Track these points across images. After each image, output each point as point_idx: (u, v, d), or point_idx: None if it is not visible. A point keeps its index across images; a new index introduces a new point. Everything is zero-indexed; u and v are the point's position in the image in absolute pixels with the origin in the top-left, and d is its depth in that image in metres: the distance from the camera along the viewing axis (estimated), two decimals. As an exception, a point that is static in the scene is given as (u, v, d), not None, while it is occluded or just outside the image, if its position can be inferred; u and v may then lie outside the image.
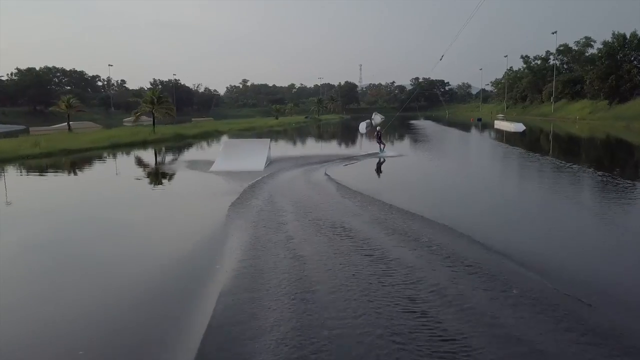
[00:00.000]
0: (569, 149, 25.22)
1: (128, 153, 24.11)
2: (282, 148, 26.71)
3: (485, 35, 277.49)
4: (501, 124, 44.12)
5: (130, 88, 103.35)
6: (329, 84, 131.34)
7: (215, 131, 39.29)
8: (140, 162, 21.20)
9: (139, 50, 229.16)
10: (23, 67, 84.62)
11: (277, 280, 5.15)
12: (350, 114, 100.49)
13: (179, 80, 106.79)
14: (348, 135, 40.59)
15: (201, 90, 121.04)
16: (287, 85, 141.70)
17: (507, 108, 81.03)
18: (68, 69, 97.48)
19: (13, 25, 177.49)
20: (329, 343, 3.78)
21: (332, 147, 28.28)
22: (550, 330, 3.96)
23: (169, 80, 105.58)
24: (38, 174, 17.32)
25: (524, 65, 77.17)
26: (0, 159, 19.11)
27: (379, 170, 16.59)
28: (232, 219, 8.29)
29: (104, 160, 21.19)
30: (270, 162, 16.70)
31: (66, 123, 41.26)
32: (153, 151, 25.14)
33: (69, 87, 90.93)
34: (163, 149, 26.45)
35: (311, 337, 3.87)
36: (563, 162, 16.75)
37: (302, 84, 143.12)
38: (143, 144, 27.56)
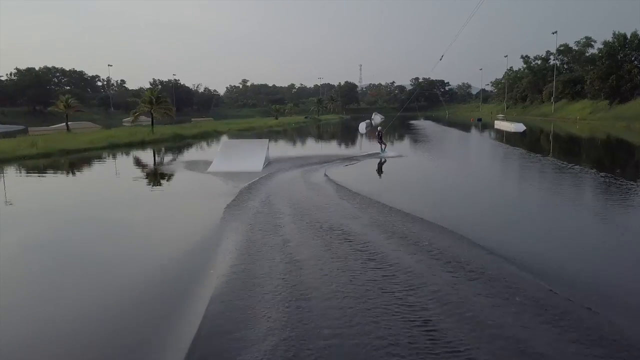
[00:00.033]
0: (570, 149, 25.06)
1: (126, 153, 23.94)
2: (281, 148, 26.54)
3: (485, 35, 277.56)
4: (501, 124, 43.98)
5: (130, 88, 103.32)
6: (329, 84, 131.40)
7: (214, 131, 39.12)
8: (137, 163, 21.02)
9: (138, 50, 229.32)
10: (23, 67, 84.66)
11: (271, 286, 4.96)
12: (350, 114, 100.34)
13: (178, 80, 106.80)
14: (348, 135, 40.43)
15: (201, 90, 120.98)
16: (287, 86, 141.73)
17: (507, 108, 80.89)
18: (68, 69, 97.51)
19: (13, 26, 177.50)
20: (323, 354, 3.61)
21: (331, 148, 28.12)
22: (556, 340, 3.79)
23: (168, 80, 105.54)
24: (34, 174, 17.15)
25: (524, 65, 77.05)
26: (-3, 159, 18.97)
27: (378, 171, 16.42)
28: (227, 221, 8.12)
29: (101, 160, 21.01)
30: (268, 162, 16.54)
31: (65, 123, 41.14)
32: (151, 151, 24.97)
33: (68, 87, 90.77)
34: (161, 149, 26.28)
35: (305, 348, 3.69)
36: (565, 162, 16.58)
37: (302, 84, 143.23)
38: (141, 145, 27.38)
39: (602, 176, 13.22)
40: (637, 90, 47.62)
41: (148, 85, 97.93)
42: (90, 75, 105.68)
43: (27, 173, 17.41)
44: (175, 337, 4.15)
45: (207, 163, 16.13)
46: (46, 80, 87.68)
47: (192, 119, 68.96)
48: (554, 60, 70.59)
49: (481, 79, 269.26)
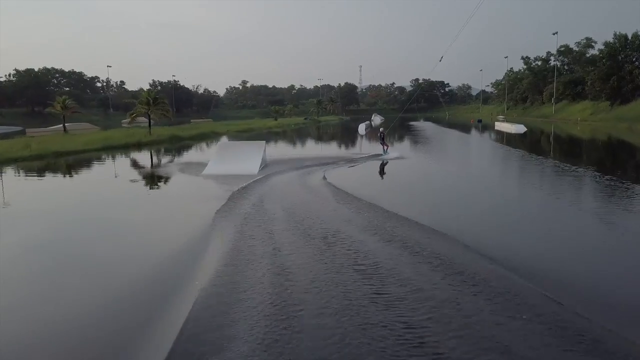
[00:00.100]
0: (572, 151, 24.72)
1: (121, 155, 23.63)
2: (279, 150, 26.22)
3: (486, 36, 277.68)
4: (502, 126, 43.69)
5: (130, 89, 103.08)
6: (328, 85, 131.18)
7: (212, 132, 38.80)
8: (130, 165, 20.69)
9: (138, 51, 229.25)
10: (22, 68, 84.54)
11: (256, 302, 4.60)
12: (349, 115, 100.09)
13: (178, 81, 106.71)
14: (347, 136, 40.11)
15: (200, 91, 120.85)
16: (286, 87, 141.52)
17: (507, 109, 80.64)
18: (67, 70, 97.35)
19: (12, 26, 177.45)
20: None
21: (331, 149, 27.77)
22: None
23: (168, 81, 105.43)
24: (24, 176, 16.85)
25: (525, 66, 76.83)
26: (-11, 161, 18.68)
27: (378, 173, 16.08)
28: (216, 227, 7.77)
29: (94, 163, 20.65)
30: (265, 164, 16.23)
31: (66, 124, 40.94)
32: (147, 153, 24.64)
33: (67, 88, 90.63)
34: (157, 151, 25.96)
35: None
36: (567, 165, 16.24)
37: (301, 85, 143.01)
38: (138, 146, 27.07)
39: (607, 179, 12.87)
40: (638, 91, 47.32)
41: (148, 87, 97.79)
42: (90, 76, 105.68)
43: (18, 175, 17.09)
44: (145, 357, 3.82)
45: (203, 165, 15.81)
46: (45, 82, 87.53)
47: (192, 120, 68.79)
48: (554, 61, 70.38)
49: (481, 80, 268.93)
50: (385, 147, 19.85)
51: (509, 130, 38.69)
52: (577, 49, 66.13)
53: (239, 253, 6.27)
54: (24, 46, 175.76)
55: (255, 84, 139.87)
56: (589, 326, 4.10)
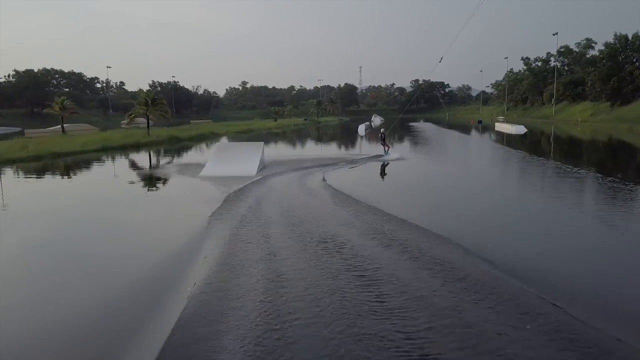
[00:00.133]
0: (573, 152, 24.54)
1: (119, 156, 23.45)
2: (278, 151, 26.05)
3: (485, 36, 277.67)
4: (502, 127, 43.54)
5: (130, 90, 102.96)
6: (328, 85, 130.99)
7: (211, 133, 38.63)
8: (127, 167, 20.50)
9: (138, 52, 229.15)
10: (22, 68, 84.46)
11: (248, 310, 4.40)
12: (349, 116, 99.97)
13: (177, 82, 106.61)
14: (347, 137, 39.93)
15: (200, 92, 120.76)
16: (286, 87, 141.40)
17: (507, 110, 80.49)
18: (66, 71, 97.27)
19: (12, 27, 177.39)
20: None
21: (330, 150, 27.59)
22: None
23: (168, 82, 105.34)
24: (20, 178, 16.66)
25: (525, 67, 76.66)
26: (-15, 162, 18.51)
27: (378, 175, 15.89)
28: (210, 230, 7.58)
29: (90, 164, 20.46)
30: (264, 166, 16.06)
31: (65, 125, 40.84)
32: (144, 154, 24.47)
33: (67, 89, 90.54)
34: (155, 152, 25.79)
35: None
36: (569, 166, 16.05)
37: (301, 86, 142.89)
38: (136, 147, 26.91)
39: (609, 181, 12.69)
40: (638, 92, 47.14)
41: (147, 87, 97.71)
42: (90, 77, 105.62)
43: (14, 176, 16.90)
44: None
45: (201, 166, 15.63)
46: (45, 82, 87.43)
47: (191, 121, 68.68)
48: (554, 61, 70.20)
49: (481, 81, 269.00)
50: (387, 148, 19.70)
51: (509, 131, 38.54)
52: (577, 50, 65.99)
53: (232, 258, 6.08)
54: (24, 47, 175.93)
55: (255, 85, 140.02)
56: (598, 337, 3.92)
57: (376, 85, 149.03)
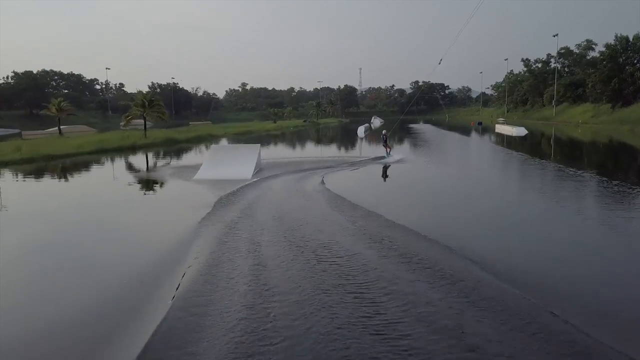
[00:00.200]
0: (575, 154, 24.21)
1: (114, 159, 23.12)
2: (277, 152, 25.73)
3: (486, 38, 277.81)
4: (502, 128, 43.24)
5: (129, 91, 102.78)
6: (328, 87, 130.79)
7: (209, 135, 38.30)
8: (121, 169, 20.12)
9: (138, 53, 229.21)
10: (22, 70, 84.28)
11: (230, 327, 4.04)
12: (349, 117, 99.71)
13: (177, 83, 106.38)
14: (347, 139, 39.61)
15: (200, 93, 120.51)
16: (286, 89, 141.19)
17: (507, 112, 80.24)
18: (66, 72, 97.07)
19: (12, 28, 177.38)
20: None
21: (330, 152, 27.26)
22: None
23: (167, 83, 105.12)
24: (10, 180, 16.34)
25: (525, 69, 76.41)
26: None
27: (378, 178, 15.54)
28: (198, 237, 7.23)
29: (84, 166, 20.12)
30: (260, 168, 15.74)
31: (62, 126, 40.64)
32: (140, 157, 24.12)
33: (66, 91, 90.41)
34: (151, 154, 25.46)
35: None
36: (573, 169, 15.71)
37: (301, 88, 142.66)
38: (132, 149, 26.59)
39: (615, 184, 12.35)
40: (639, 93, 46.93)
41: (147, 89, 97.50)
42: (89, 78, 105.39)
43: (1, 179, 16.57)
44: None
45: (196, 169, 15.30)
46: (43, 84, 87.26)
47: (190, 123, 68.40)
48: (554, 63, 69.95)
49: (481, 82, 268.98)
50: (388, 150, 19.46)
51: (509, 133, 38.23)
52: (577, 51, 65.79)
53: (218, 268, 5.72)
54: (24, 48, 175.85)
55: (254, 87, 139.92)
56: (612, 355, 3.58)
57: (376, 87, 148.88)
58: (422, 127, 55.65)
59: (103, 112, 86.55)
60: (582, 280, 5.58)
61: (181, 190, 13.16)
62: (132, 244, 7.63)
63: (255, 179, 13.56)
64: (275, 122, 66.22)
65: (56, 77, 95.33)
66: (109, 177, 17.29)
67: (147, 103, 30.94)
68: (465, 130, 49.43)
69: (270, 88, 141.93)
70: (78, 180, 16.74)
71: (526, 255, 6.43)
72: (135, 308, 4.81)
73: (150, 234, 8.26)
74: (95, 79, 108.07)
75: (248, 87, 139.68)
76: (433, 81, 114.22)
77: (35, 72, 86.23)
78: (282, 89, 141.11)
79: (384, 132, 20.47)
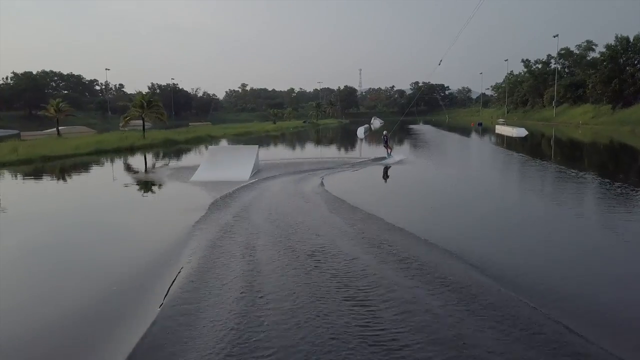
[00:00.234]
0: (577, 155, 24.04)
1: (111, 160, 22.94)
2: (275, 153, 25.56)
3: (486, 39, 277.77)
4: (502, 129, 43.08)
5: (129, 92, 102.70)
6: (328, 88, 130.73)
7: (208, 136, 38.13)
8: (117, 170, 19.94)
9: (138, 54, 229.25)
10: (22, 70, 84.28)
11: (219, 338, 3.84)
12: (349, 118, 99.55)
13: (177, 84, 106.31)
14: (347, 140, 39.45)
15: (200, 94, 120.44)
16: (286, 90, 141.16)
17: (507, 112, 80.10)
18: (65, 73, 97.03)
19: (12, 29, 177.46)
20: None
21: (329, 152, 27.10)
22: None
23: (167, 84, 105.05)
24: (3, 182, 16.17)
25: (525, 69, 76.31)
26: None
27: (378, 179, 15.34)
28: (192, 241, 7.04)
29: (80, 168, 19.93)
30: (258, 170, 15.58)
31: (61, 127, 40.53)
32: (138, 158, 23.94)
33: (66, 92, 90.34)
34: (150, 155, 25.29)
35: None
36: (574, 171, 15.53)
37: (301, 89, 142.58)
38: (130, 150, 26.42)
39: (617, 186, 12.17)
40: (640, 94, 46.75)
41: (147, 90, 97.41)
42: (89, 79, 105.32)
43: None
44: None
45: (194, 170, 15.13)
46: (43, 84, 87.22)
47: (190, 124, 68.28)
48: (555, 64, 69.84)
49: (481, 83, 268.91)
50: (389, 150, 19.30)
51: (509, 134, 38.06)
52: (577, 52, 65.70)
53: (210, 273, 5.55)
54: (24, 49, 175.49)
55: (254, 87, 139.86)
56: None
57: (376, 88, 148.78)
58: (421, 128, 55.50)
59: (103, 113, 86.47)
60: (588, 284, 5.40)
61: (177, 192, 12.98)
62: (123, 246, 7.45)
63: (252, 180, 13.40)
64: (275, 123, 66.08)
65: (56, 78, 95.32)
66: (104, 179, 17.09)
67: (145, 104, 30.77)
68: (465, 131, 49.27)
69: (270, 89, 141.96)
70: (73, 181, 16.56)
71: (529, 259, 6.25)
72: (121, 315, 4.64)
73: (142, 236, 8.09)
74: (95, 80, 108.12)
75: (248, 88, 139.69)
76: (433, 82, 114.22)
77: (34, 72, 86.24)
78: (282, 90, 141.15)
79: (385, 132, 20.29)
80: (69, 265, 6.47)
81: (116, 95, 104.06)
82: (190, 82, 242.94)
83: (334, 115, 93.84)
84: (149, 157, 24.45)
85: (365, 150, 26.77)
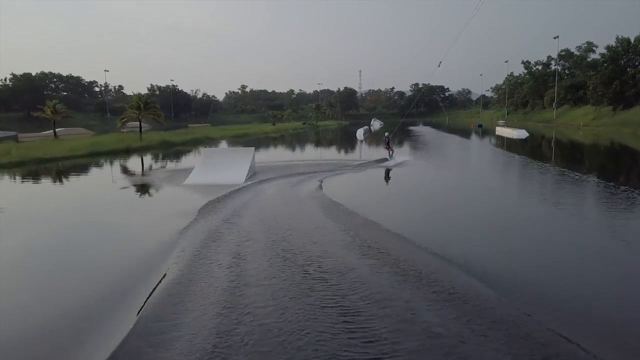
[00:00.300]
0: (578, 157, 23.71)
1: (106, 162, 22.60)
2: (273, 155, 25.24)
3: (486, 40, 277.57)
4: (503, 131, 42.77)
5: (128, 94, 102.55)
6: (328, 89, 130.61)
7: (206, 138, 37.83)
8: (110, 173, 19.57)
9: (138, 55, 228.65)
10: (21, 72, 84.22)
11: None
12: (349, 120, 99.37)
13: (176, 86, 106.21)
14: (347, 141, 39.14)
15: (199, 96, 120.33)
16: (286, 91, 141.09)
17: (508, 114, 79.85)
18: (65, 75, 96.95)
19: (12, 29, 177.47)
20: None
21: (328, 154, 26.76)
22: None
23: (166, 86, 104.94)
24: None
25: (525, 71, 76.10)
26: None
27: (377, 182, 14.98)
28: (176, 249, 6.67)
29: (73, 170, 19.55)
30: (254, 172, 15.25)
31: (59, 129, 40.31)
32: (133, 160, 23.61)
33: (65, 93, 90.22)
34: (145, 157, 24.96)
35: None
36: (578, 173, 15.19)
37: (301, 90, 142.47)
38: (126, 152, 26.09)
39: (623, 190, 11.82)
40: (642, 95, 46.47)
41: (146, 91, 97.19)
42: (88, 80, 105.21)
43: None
44: None
45: (189, 172, 14.79)
46: (42, 86, 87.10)
47: (189, 125, 68.08)
48: (555, 65, 69.64)
49: (481, 85, 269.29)
50: (391, 152, 19.03)
51: (510, 136, 37.75)
52: (578, 53, 65.50)
53: (192, 285, 5.17)
54: (23, 49, 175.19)
55: (254, 89, 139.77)
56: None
57: (376, 89, 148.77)
58: (421, 130, 55.26)
59: (102, 114, 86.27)
60: (597, 298, 5.05)
61: (169, 195, 12.62)
62: (103, 253, 7.06)
63: (248, 183, 13.07)
64: (274, 124, 65.84)
65: (55, 80, 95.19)
66: (95, 182, 16.65)
67: (142, 105, 30.48)
68: (465, 133, 48.98)
69: (270, 90, 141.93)
70: (62, 184, 16.18)
71: (537, 270, 5.90)
72: (87, 333, 4.26)
73: (123, 243, 7.68)
74: (95, 81, 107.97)
75: (248, 90, 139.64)
76: (433, 83, 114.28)
77: (33, 74, 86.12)
78: (282, 91, 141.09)
79: (386, 134, 19.96)
80: (42, 270, 6.12)
81: (115, 96, 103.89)
82: (190, 83, 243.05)
83: (333, 116, 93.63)
84: (145, 159, 24.11)
85: (365, 152, 26.43)
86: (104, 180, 17.07)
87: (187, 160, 23.92)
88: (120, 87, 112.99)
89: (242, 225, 8.03)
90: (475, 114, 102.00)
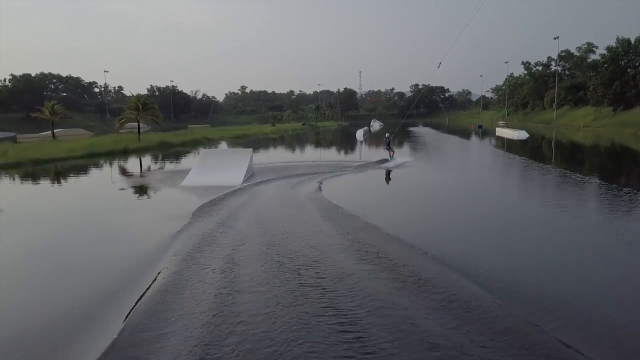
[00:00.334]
0: (578, 159, 23.56)
1: (103, 163, 22.44)
2: (272, 156, 25.08)
3: (486, 40, 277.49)
4: (503, 132, 42.64)
5: (128, 94, 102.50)
6: (328, 90, 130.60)
7: (205, 139, 37.66)
8: (107, 175, 19.38)
9: (138, 56, 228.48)
10: (21, 72, 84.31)
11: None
12: (349, 120, 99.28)
13: (176, 86, 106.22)
14: (346, 142, 38.99)
15: (199, 96, 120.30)
16: (286, 92, 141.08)
17: (508, 115, 79.77)
18: (64, 75, 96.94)
19: (12, 30, 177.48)
20: None
21: (327, 155, 26.59)
22: None
23: (166, 86, 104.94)
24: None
25: (525, 72, 76.02)
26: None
27: (377, 183, 14.81)
28: (168, 253, 6.49)
29: (69, 172, 19.35)
30: (251, 174, 15.09)
31: (58, 130, 40.19)
32: (131, 161, 23.45)
33: (65, 94, 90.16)
34: (143, 158, 24.79)
35: None
36: (579, 175, 15.02)
37: (301, 91, 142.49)
38: (124, 153, 25.93)
39: (626, 192, 11.66)
40: (642, 96, 46.34)
41: (146, 92, 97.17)
42: (88, 81, 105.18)
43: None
44: None
45: (186, 174, 14.63)
46: (41, 87, 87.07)
47: (189, 126, 68.00)
48: (555, 66, 69.56)
49: (481, 86, 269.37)
50: (391, 153, 18.89)
51: (510, 137, 37.61)
52: (578, 54, 65.41)
53: (181, 292, 4.99)
54: (23, 49, 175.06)
55: (254, 90, 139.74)
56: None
57: (376, 90, 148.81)
58: (421, 130, 55.14)
59: (101, 115, 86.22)
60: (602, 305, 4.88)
61: (165, 197, 12.45)
62: (95, 255, 6.87)
63: (245, 185, 12.91)
64: (274, 125, 65.70)
65: (54, 80, 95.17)
66: (90, 183, 16.43)
67: (140, 106, 30.33)
68: (465, 134, 48.84)
69: (269, 91, 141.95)
70: (61, 185, 16.02)
71: (537, 270, 5.73)
72: (67, 343, 4.08)
73: (115, 245, 7.49)
74: (94, 82, 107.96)
75: (247, 90, 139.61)
76: (433, 84, 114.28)
77: (33, 75, 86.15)
78: (282, 92, 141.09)
79: (387, 135, 19.80)
80: (36, 275, 5.94)
81: (115, 97, 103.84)
82: (190, 84, 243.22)
83: (333, 117, 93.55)
84: (143, 160, 23.94)
85: (365, 153, 26.28)
86: (101, 182, 16.88)
87: (185, 161, 23.74)
88: (120, 87, 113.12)
89: (237, 228, 7.86)
90: (475, 114, 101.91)
